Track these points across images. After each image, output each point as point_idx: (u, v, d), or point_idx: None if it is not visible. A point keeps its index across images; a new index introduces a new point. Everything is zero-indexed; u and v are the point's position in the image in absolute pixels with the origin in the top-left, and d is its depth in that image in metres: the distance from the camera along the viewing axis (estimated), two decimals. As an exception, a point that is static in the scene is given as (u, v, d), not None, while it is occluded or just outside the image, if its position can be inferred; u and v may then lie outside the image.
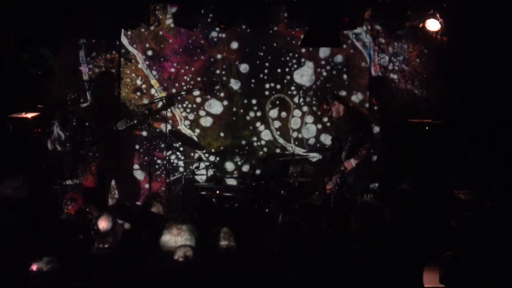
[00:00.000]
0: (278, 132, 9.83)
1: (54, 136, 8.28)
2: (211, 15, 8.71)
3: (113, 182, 9.54)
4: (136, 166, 9.64)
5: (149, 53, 9.72)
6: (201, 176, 9.39)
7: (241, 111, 9.80)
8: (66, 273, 4.53)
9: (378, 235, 5.04)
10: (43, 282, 4.40)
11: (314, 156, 9.77)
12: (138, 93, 9.73)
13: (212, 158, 9.76)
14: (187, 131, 9.76)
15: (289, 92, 9.80)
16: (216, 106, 9.81)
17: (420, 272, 5.03)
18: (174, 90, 9.70)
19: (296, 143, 9.77)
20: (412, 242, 5.07)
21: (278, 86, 9.80)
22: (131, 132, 9.51)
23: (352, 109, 8.92)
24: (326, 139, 9.67)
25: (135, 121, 9.15)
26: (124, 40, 9.66)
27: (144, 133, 9.27)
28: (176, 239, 5.00)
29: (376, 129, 9.61)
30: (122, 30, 9.15)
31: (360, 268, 4.79)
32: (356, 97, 9.76)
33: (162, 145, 9.52)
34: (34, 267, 4.43)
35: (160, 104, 9.46)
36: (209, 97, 9.74)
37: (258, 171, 9.32)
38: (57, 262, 4.47)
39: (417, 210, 5.71)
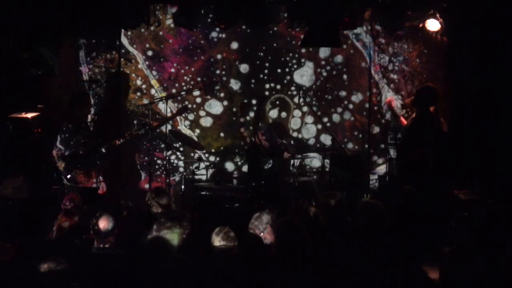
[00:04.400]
0: (278, 132, 9.83)
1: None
2: (211, 15, 8.70)
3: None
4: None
5: (149, 53, 9.72)
6: (201, 176, 9.38)
7: (241, 111, 9.80)
8: (70, 273, 4.52)
9: (379, 234, 5.03)
10: (50, 282, 4.39)
11: (314, 157, 9.77)
12: (138, 93, 9.74)
13: (212, 158, 9.76)
14: (187, 131, 9.76)
15: (289, 92, 9.80)
16: (216, 106, 9.81)
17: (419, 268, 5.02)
18: (174, 90, 9.71)
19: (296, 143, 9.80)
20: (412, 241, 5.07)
21: (278, 86, 9.80)
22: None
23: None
24: (326, 139, 9.67)
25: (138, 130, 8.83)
26: (124, 40, 9.66)
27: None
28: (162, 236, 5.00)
29: (376, 129, 9.62)
30: (122, 30, 9.16)
31: (360, 268, 4.78)
32: (356, 97, 9.76)
33: (162, 145, 9.52)
34: (41, 267, 4.42)
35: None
36: (209, 97, 9.74)
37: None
38: (65, 262, 4.46)
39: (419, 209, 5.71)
